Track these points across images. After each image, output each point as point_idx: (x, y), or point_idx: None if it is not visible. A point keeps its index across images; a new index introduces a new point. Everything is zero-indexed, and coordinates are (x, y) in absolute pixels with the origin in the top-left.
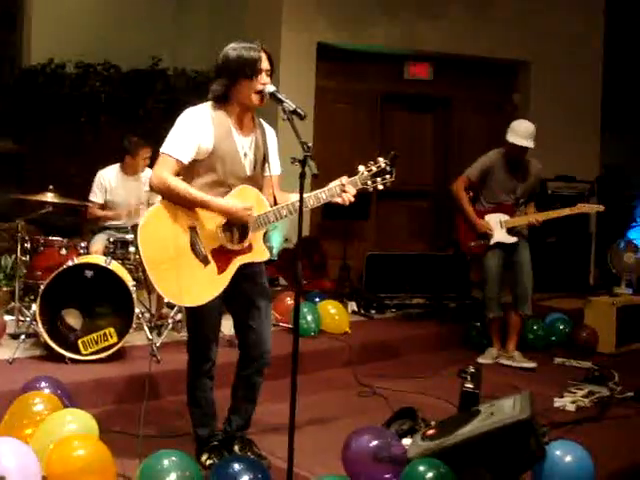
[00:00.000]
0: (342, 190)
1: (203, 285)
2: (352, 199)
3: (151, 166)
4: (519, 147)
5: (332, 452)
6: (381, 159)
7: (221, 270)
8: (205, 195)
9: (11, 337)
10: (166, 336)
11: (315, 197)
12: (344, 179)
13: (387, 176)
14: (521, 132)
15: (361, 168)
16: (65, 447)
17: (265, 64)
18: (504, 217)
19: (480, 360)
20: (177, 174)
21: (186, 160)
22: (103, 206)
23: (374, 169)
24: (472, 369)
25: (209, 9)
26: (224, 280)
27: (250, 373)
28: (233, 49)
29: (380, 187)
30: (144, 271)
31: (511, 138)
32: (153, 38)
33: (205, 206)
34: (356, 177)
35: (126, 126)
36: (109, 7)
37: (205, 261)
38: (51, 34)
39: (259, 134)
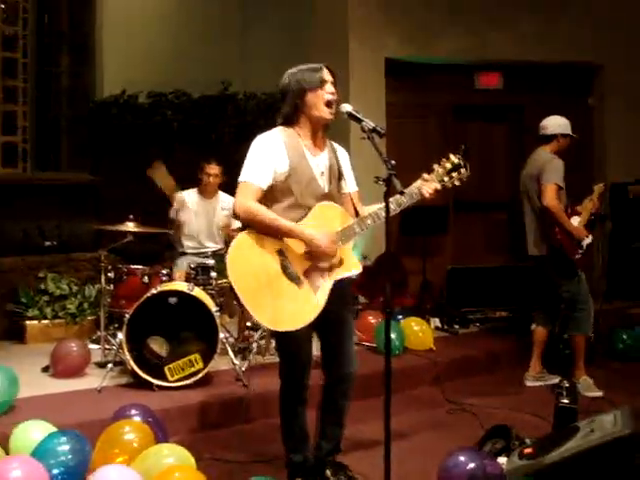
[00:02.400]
0: (421, 186)
1: (301, 307)
2: (432, 192)
3: (223, 188)
4: (571, 137)
5: (426, 473)
6: (452, 155)
7: (315, 290)
8: (290, 223)
9: (98, 366)
10: (251, 360)
11: (396, 202)
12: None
13: (462, 170)
14: (564, 123)
15: (435, 166)
16: (167, 478)
17: (327, 76)
18: (577, 219)
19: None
20: (259, 201)
21: (265, 185)
22: (176, 229)
23: (448, 165)
24: (567, 384)
25: (276, 30)
26: (321, 300)
27: (337, 396)
28: (293, 70)
29: (457, 183)
30: (237, 299)
31: (566, 130)
32: (222, 63)
33: (291, 235)
34: (432, 175)
35: (199, 152)
36: (177, 36)
37: (299, 282)
38: (123, 66)
39: (331, 152)
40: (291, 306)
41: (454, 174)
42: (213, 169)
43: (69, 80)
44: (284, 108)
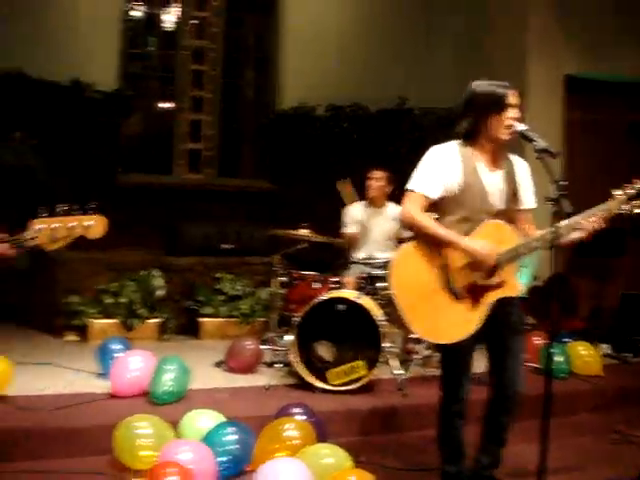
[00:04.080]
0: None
1: (458, 322)
2: (595, 227)
3: (392, 198)
4: None
5: None
6: (638, 181)
7: (475, 306)
8: (452, 234)
9: (267, 365)
10: (413, 371)
11: (566, 227)
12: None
13: None
14: None
15: (616, 192)
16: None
17: (513, 99)
18: None
19: None
20: (426, 210)
21: (433, 195)
22: (353, 238)
23: (630, 191)
24: None
25: (454, 46)
26: (479, 317)
27: (500, 413)
28: (479, 85)
29: (637, 211)
30: (396, 308)
31: None
32: (399, 78)
33: (452, 245)
34: (611, 202)
35: (374, 165)
36: (356, 50)
37: (459, 298)
38: (303, 79)
39: (509, 168)
40: (449, 320)
41: (636, 201)
42: (376, 174)
43: (252, 92)
44: (463, 123)
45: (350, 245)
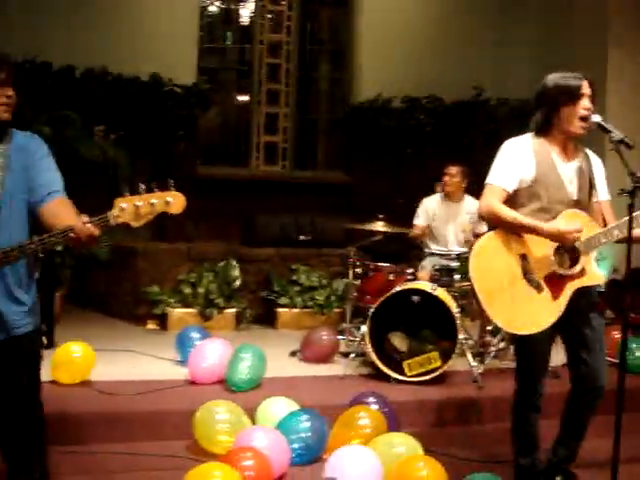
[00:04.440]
0: None
1: (537, 313)
2: None
3: (469, 192)
4: None
5: None
6: None
7: (555, 297)
8: (533, 220)
9: (342, 355)
10: (488, 363)
11: None
12: None
13: None
14: None
15: None
16: (410, 465)
17: (587, 90)
18: None
19: None
20: (504, 203)
21: (510, 188)
22: (424, 230)
23: None
24: None
25: (530, 37)
26: (559, 307)
27: (580, 407)
28: (552, 77)
29: None
30: (475, 298)
31: None
32: (475, 69)
33: (534, 231)
34: None
35: (450, 157)
36: (432, 42)
37: (538, 288)
38: (378, 71)
39: (583, 160)
40: (528, 310)
41: None
42: (452, 170)
43: (328, 85)
44: (537, 115)
45: (417, 237)
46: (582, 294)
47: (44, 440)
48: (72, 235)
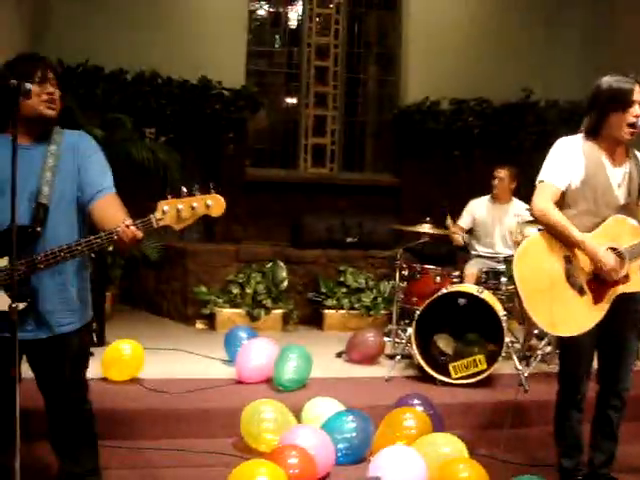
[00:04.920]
0: None
1: (579, 316)
2: None
3: (517, 194)
4: None
5: None
6: None
7: (597, 301)
8: (580, 235)
9: (388, 357)
10: (534, 367)
11: None
12: None
13: None
14: None
15: None
16: (452, 468)
17: (638, 95)
18: None
19: None
20: (557, 200)
21: (562, 186)
22: (469, 232)
23: None
24: None
25: (580, 38)
26: (600, 311)
27: (609, 409)
28: (605, 82)
29: None
30: (519, 299)
31: None
32: (524, 70)
33: (577, 247)
34: None
35: (498, 159)
36: (479, 44)
37: (581, 291)
38: (426, 74)
39: (633, 165)
40: (569, 313)
41: None
42: (500, 172)
43: (375, 87)
44: (588, 118)
45: (453, 236)
46: (624, 298)
47: (94, 435)
48: (116, 237)
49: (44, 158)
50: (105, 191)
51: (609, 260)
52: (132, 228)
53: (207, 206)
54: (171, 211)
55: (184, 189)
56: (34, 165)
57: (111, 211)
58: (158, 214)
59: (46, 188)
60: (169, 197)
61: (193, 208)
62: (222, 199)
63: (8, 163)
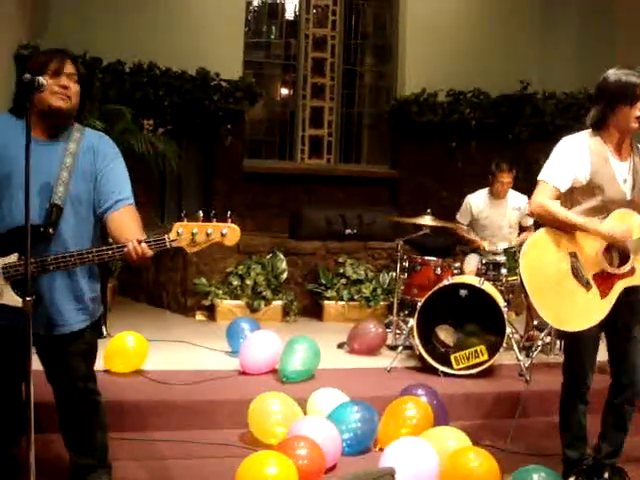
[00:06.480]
0: None
1: (586, 310)
2: None
3: (513, 186)
4: None
5: None
6: None
7: (604, 295)
8: (581, 218)
9: (389, 348)
10: (535, 357)
11: None
12: None
13: None
14: None
15: None
16: (463, 457)
17: None
18: None
19: None
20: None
21: (563, 187)
22: (468, 227)
23: None
24: None
25: (576, 29)
26: (607, 305)
27: (620, 402)
28: (612, 75)
29: None
30: (526, 295)
31: None
32: (521, 62)
33: (583, 229)
34: None
35: (495, 151)
36: (477, 35)
37: (587, 286)
38: (423, 65)
39: (637, 158)
40: (576, 307)
41: None
42: (507, 178)
43: (372, 79)
44: (594, 111)
45: (458, 234)
46: (630, 293)
47: (104, 427)
48: (125, 251)
49: (62, 157)
50: (124, 202)
51: (614, 227)
52: (143, 245)
53: (222, 234)
54: (185, 234)
55: (201, 213)
56: (50, 162)
57: (126, 225)
58: (172, 235)
59: (61, 188)
60: (185, 220)
61: (208, 235)
62: (238, 229)
63: (21, 155)
